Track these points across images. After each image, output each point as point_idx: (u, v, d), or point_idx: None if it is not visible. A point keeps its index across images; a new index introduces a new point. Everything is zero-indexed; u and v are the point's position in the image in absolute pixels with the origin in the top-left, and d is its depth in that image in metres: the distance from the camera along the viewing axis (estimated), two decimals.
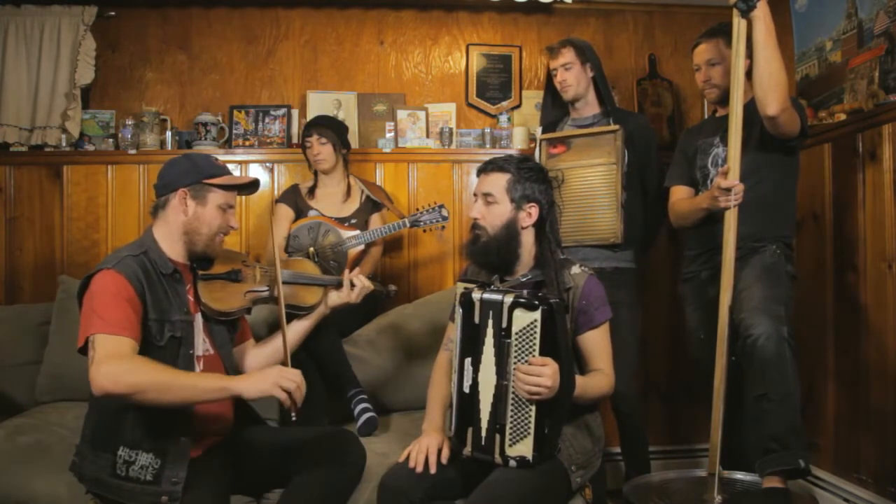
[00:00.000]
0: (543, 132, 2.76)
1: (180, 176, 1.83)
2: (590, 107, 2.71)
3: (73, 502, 1.93)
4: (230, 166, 2.46)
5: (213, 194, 1.84)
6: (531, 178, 1.89)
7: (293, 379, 1.67)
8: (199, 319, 1.87)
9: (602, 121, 2.68)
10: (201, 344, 1.86)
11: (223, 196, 1.86)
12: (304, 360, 2.23)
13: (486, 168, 1.93)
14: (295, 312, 2.10)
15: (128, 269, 1.70)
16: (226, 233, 1.90)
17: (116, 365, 1.56)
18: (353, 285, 2.11)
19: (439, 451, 1.77)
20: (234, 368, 1.96)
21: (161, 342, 1.73)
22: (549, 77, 2.74)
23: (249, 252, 3.05)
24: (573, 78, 2.64)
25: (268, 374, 1.68)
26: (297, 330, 2.09)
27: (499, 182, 1.89)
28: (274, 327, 2.46)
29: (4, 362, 2.68)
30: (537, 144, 2.72)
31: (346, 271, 2.15)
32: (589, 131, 2.63)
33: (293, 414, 1.70)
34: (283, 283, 2.02)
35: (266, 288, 2.02)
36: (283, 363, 1.85)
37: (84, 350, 1.64)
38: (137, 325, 1.67)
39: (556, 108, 2.80)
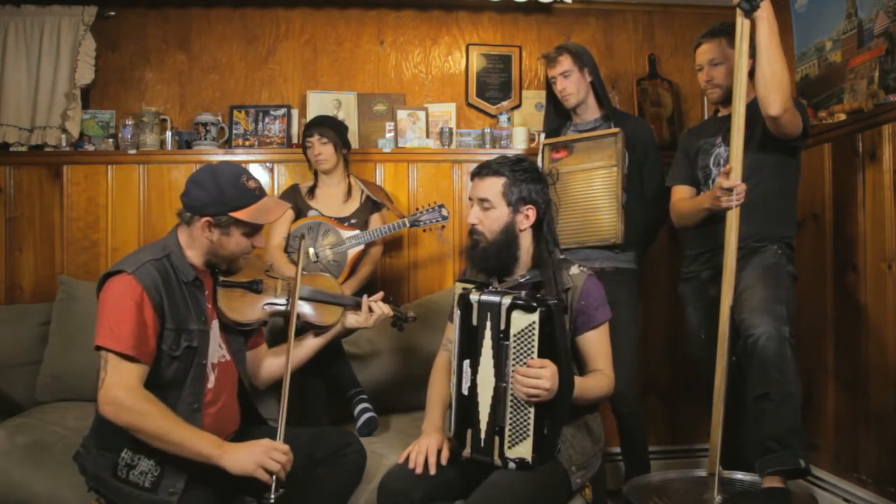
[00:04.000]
0: (546, 138, 2.76)
1: (206, 205, 1.75)
2: (591, 111, 2.71)
3: (74, 502, 1.93)
4: None
5: (238, 227, 1.79)
6: (527, 179, 1.87)
7: (278, 459, 1.64)
8: (215, 326, 1.86)
9: (603, 125, 2.68)
10: (217, 350, 1.85)
11: (249, 226, 1.80)
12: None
13: (481, 172, 1.90)
14: (310, 329, 2.08)
15: (147, 279, 1.68)
16: (250, 252, 1.89)
17: (122, 400, 1.59)
18: (371, 310, 2.09)
19: (439, 452, 1.77)
20: (248, 375, 1.95)
21: (177, 352, 1.72)
22: (549, 85, 2.73)
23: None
24: (573, 86, 2.63)
25: (254, 453, 1.63)
26: (309, 346, 2.06)
27: (494, 186, 1.87)
28: (281, 336, 2.45)
29: (4, 362, 2.68)
30: (540, 150, 2.72)
31: (365, 296, 2.12)
32: (590, 135, 2.63)
33: (272, 495, 1.63)
34: (303, 298, 1.99)
35: (285, 301, 1.98)
36: (283, 383, 1.83)
37: (98, 347, 1.65)
38: (150, 344, 1.67)
39: (558, 115, 2.80)
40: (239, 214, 1.76)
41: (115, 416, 1.59)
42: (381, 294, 2.15)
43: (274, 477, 1.64)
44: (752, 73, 2.19)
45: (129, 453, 1.67)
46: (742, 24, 2.10)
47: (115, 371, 1.61)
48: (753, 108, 2.20)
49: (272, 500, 1.63)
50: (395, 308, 2.21)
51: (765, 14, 2.06)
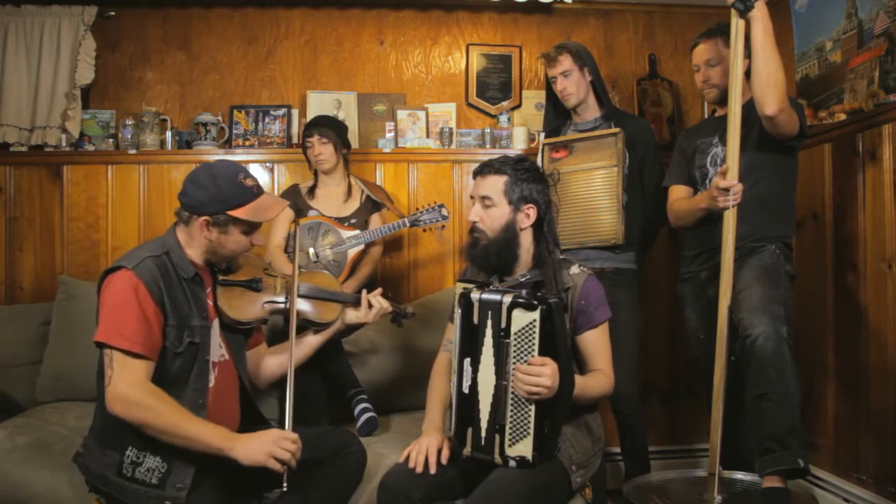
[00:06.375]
0: (546, 138, 2.76)
1: (204, 203, 1.75)
2: (591, 111, 2.71)
3: (74, 502, 1.93)
4: None
5: (236, 225, 1.79)
6: (528, 178, 1.88)
7: (288, 448, 1.64)
8: (216, 325, 1.86)
9: (603, 124, 2.68)
10: (217, 349, 1.85)
11: (248, 224, 1.80)
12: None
13: (483, 171, 1.91)
14: (310, 326, 2.08)
15: (147, 275, 1.69)
16: (249, 250, 1.89)
17: (131, 397, 1.60)
18: (370, 305, 2.11)
19: (439, 452, 1.77)
20: (248, 374, 1.95)
21: (180, 348, 1.72)
22: (549, 84, 2.73)
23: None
24: (573, 85, 2.63)
25: (265, 443, 1.64)
26: (309, 343, 2.06)
27: (496, 185, 1.88)
28: (281, 336, 2.45)
29: (4, 362, 2.68)
30: (540, 150, 2.72)
31: (364, 291, 2.13)
32: (590, 135, 2.63)
33: (285, 485, 1.65)
34: (302, 296, 2.00)
35: (285, 299, 1.99)
36: (288, 380, 1.84)
37: (99, 344, 1.66)
38: (154, 339, 1.67)
39: (558, 115, 2.80)
40: (237, 213, 1.76)
41: (125, 413, 1.60)
42: (379, 290, 2.16)
43: (285, 466, 1.65)
44: (748, 73, 2.19)
45: (135, 451, 1.67)
46: (737, 24, 2.10)
47: (122, 368, 1.61)
48: (750, 107, 2.21)
49: (284, 489, 1.65)
50: (394, 304, 2.22)
51: (759, 14, 2.06)
